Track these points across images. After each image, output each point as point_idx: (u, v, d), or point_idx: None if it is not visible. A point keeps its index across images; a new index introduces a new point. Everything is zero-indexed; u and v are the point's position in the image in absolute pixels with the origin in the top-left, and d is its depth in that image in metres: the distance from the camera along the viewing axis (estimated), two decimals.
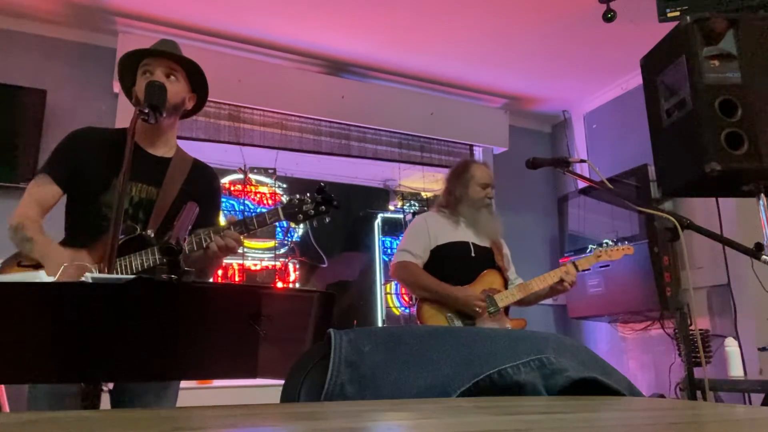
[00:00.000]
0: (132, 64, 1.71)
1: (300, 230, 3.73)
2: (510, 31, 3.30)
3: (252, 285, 3.24)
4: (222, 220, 1.82)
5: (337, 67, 3.68)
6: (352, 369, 0.59)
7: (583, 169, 3.75)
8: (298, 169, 3.75)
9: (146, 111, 1.44)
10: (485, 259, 2.48)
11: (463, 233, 2.49)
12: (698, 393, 2.07)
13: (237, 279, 3.50)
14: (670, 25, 1.90)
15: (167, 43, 1.73)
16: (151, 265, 1.52)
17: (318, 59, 3.60)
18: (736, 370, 2.64)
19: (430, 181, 4.09)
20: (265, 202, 3.67)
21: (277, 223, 1.65)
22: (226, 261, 3.23)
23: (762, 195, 1.69)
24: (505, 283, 2.48)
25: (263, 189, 3.70)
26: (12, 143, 2.85)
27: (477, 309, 2.29)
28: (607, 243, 2.68)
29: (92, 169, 1.64)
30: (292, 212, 1.62)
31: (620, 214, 3.45)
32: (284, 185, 3.73)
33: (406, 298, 3.89)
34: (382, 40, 3.39)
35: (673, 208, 3.28)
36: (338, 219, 4.01)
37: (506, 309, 2.45)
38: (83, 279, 0.93)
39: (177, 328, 0.95)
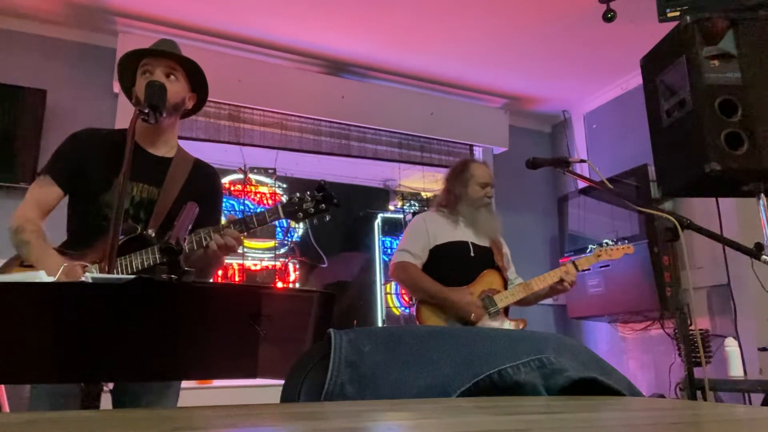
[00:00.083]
0: (131, 64, 1.70)
1: (300, 230, 3.73)
2: (510, 31, 3.30)
3: (252, 285, 3.24)
4: (222, 220, 1.82)
5: (337, 67, 3.68)
6: (352, 369, 0.59)
7: (583, 169, 3.75)
8: (298, 169, 3.75)
9: (146, 111, 1.44)
10: (485, 259, 2.47)
11: (463, 233, 2.48)
12: (698, 393, 2.07)
13: (237, 279, 3.50)
14: (670, 25, 1.90)
15: (167, 43, 1.73)
16: (151, 264, 1.52)
17: (318, 59, 3.60)
18: (736, 370, 2.64)
19: (430, 181, 4.09)
20: (265, 202, 3.67)
21: (277, 223, 1.65)
22: (226, 261, 3.22)
23: (762, 195, 1.69)
24: (505, 283, 2.47)
25: (263, 189, 3.70)
26: (12, 143, 2.85)
27: (472, 317, 2.29)
28: (607, 243, 2.68)
29: (93, 170, 1.64)
30: (292, 210, 1.62)
31: (620, 214, 3.45)
32: (284, 185, 3.73)
33: (406, 298, 3.89)
34: (382, 40, 3.39)
35: (673, 208, 3.28)
36: (338, 219, 4.01)
37: (506, 309, 2.45)
38: (83, 279, 0.94)
39: (177, 328, 0.95)
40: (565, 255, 3.81)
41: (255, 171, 3.61)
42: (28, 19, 3.07)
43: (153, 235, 1.61)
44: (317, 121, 3.63)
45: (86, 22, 3.14)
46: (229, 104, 3.36)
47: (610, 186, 2.09)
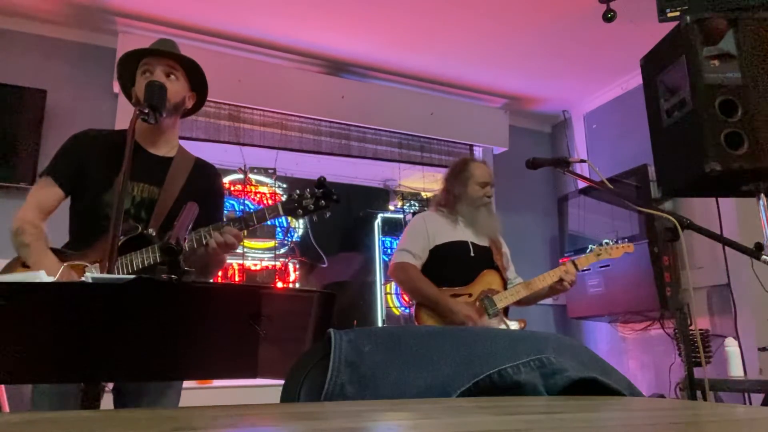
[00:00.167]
0: (131, 63, 1.70)
1: (300, 230, 3.73)
2: (510, 31, 3.30)
3: (252, 285, 3.24)
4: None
5: (337, 67, 3.68)
6: (352, 369, 0.59)
7: (583, 169, 3.75)
8: (298, 169, 3.74)
9: (146, 111, 1.44)
10: (484, 259, 2.47)
11: (462, 233, 2.48)
12: (698, 393, 2.07)
13: (237, 279, 3.50)
14: (670, 25, 1.90)
15: (166, 43, 1.73)
16: (152, 262, 1.52)
17: (318, 59, 3.60)
18: (736, 370, 2.64)
19: (430, 181, 4.09)
20: (265, 202, 3.67)
21: (277, 223, 1.65)
22: (226, 261, 3.22)
23: (762, 195, 1.69)
24: (504, 283, 2.47)
25: (263, 189, 3.70)
26: (12, 143, 2.85)
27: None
28: (607, 243, 2.68)
29: (94, 170, 1.65)
30: (291, 207, 1.61)
31: (620, 214, 3.45)
32: (284, 185, 3.73)
33: (406, 298, 3.89)
34: (382, 40, 3.39)
35: (673, 208, 3.28)
36: (338, 219, 4.01)
37: (506, 309, 2.44)
38: (83, 279, 0.94)
39: (177, 328, 0.95)
40: (565, 255, 3.81)
41: (255, 171, 3.61)
42: (28, 19, 3.07)
43: (154, 234, 1.61)
44: (317, 121, 3.63)
45: (86, 22, 3.14)
46: (229, 104, 3.36)
47: (610, 186, 2.09)
